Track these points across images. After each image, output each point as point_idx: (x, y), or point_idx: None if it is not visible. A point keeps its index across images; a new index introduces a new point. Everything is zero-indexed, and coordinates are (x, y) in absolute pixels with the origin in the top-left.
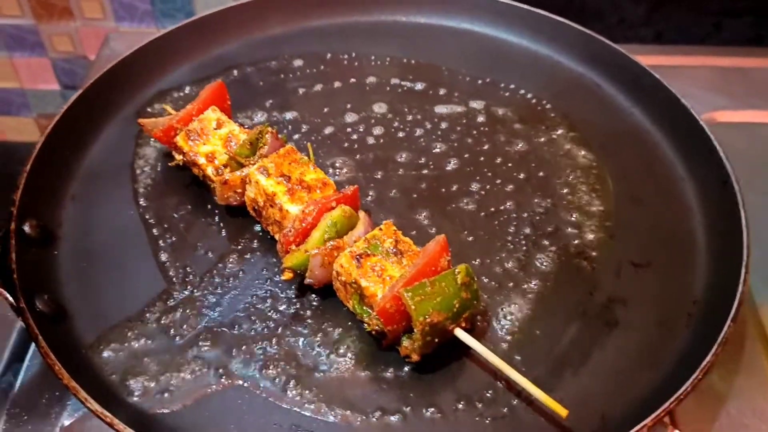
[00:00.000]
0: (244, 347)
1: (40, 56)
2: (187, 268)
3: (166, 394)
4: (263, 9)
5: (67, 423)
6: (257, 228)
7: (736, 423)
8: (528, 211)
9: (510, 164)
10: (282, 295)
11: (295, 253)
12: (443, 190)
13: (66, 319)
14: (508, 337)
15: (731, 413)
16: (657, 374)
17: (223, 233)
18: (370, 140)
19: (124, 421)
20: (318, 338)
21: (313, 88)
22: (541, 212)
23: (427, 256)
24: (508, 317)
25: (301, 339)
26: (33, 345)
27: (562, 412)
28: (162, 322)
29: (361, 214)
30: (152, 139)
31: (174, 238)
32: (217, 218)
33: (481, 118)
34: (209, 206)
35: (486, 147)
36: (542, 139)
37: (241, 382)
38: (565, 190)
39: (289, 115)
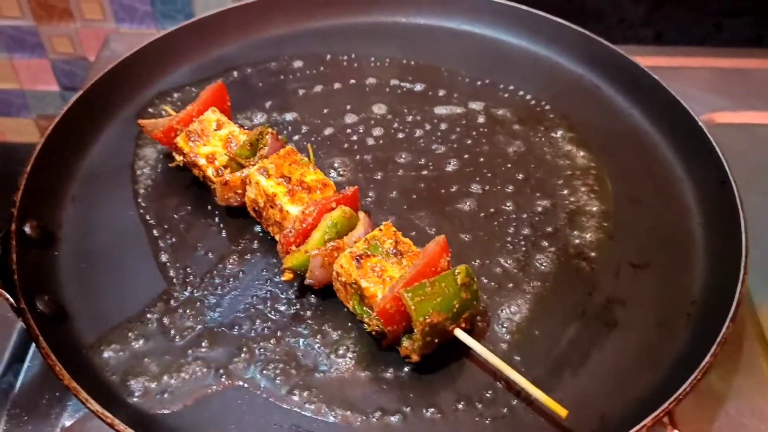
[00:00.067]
0: (244, 348)
1: (40, 57)
2: (188, 269)
3: (166, 395)
4: (263, 10)
5: (67, 424)
6: (257, 229)
7: (735, 423)
8: (527, 211)
9: (509, 165)
10: (282, 296)
11: (295, 254)
12: (443, 190)
13: (66, 320)
14: (508, 338)
15: (730, 413)
16: (656, 374)
17: (224, 234)
18: (370, 141)
19: (125, 422)
20: (318, 339)
21: (312, 89)
22: (540, 213)
23: (427, 257)
24: (508, 318)
25: (302, 339)
26: (33, 346)
27: (562, 412)
28: (162, 322)
29: (361, 214)
30: (152, 140)
31: (174, 239)
32: (217, 219)
33: (480, 119)
34: (209, 207)
35: (485, 148)
36: (541, 140)
37: (241, 382)
38: (564, 191)
39: (288, 116)
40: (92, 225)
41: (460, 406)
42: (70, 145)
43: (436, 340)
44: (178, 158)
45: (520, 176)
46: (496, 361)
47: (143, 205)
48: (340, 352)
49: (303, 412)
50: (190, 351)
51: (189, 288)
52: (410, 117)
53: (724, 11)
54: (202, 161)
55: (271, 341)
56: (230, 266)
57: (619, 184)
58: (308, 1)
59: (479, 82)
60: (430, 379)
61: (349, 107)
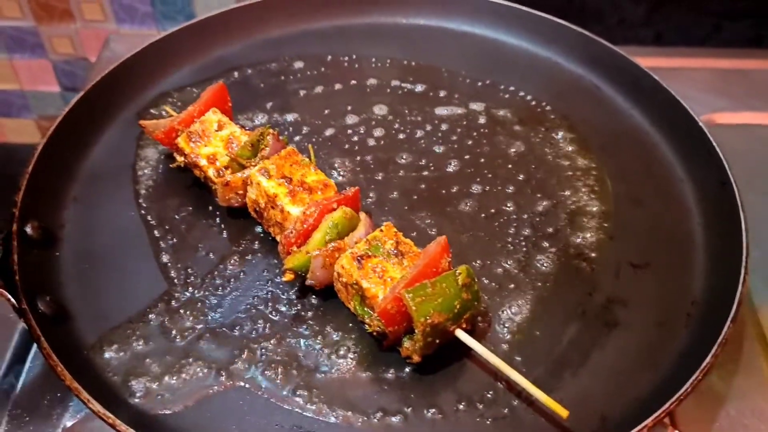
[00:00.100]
0: (245, 348)
1: (41, 58)
2: (189, 270)
3: (167, 395)
4: (264, 11)
5: (69, 424)
6: (258, 229)
7: (736, 423)
8: (528, 212)
9: (510, 165)
10: (283, 297)
11: (296, 255)
12: (443, 191)
13: (68, 320)
14: (509, 338)
15: (731, 414)
16: (656, 375)
17: (224, 234)
18: (371, 142)
19: (126, 422)
20: (319, 339)
21: (313, 90)
22: (540, 213)
23: (428, 257)
24: (509, 318)
25: (303, 340)
26: (35, 346)
27: (563, 412)
28: (164, 323)
29: (362, 215)
30: (154, 141)
31: (175, 240)
32: (218, 219)
33: (481, 120)
34: (210, 208)
35: (486, 148)
36: (542, 141)
37: (242, 383)
38: (564, 192)
39: (289, 117)
40: (93, 225)
41: (461, 406)
42: (72, 146)
43: (437, 341)
44: (179, 159)
45: (521, 177)
46: (496, 362)
47: (144, 205)
48: (341, 352)
49: (304, 413)
50: (191, 351)
51: (190, 288)
52: (411, 118)
53: (724, 12)
54: (203, 162)
55: (272, 342)
56: (231, 267)
57: (619, 185)
58: (309, 2)
59: (480, 83)
60: (431, 380)
61: (349, 108)
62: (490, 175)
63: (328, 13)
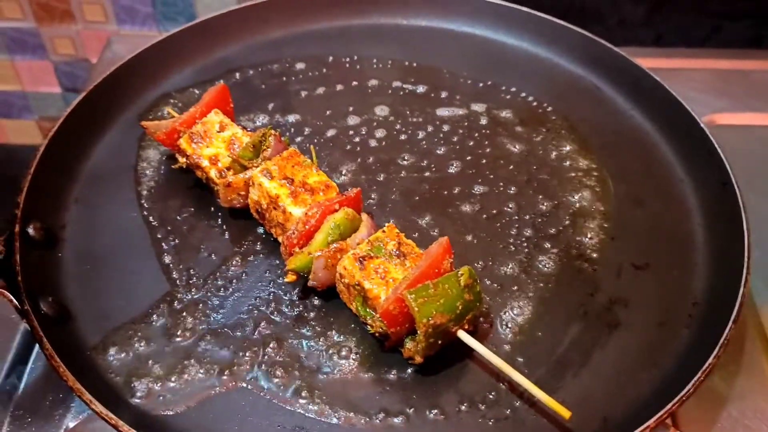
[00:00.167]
0: (247, 349)
1: (42, 59)
2: (191, 270)
3: (169, 396)
4: (265, 12)
5: (71, 425)
6: (260, 230)
7: (738, 424)
8: (529, 213)
9: (511, 166)
10: (285, 298)
11: (298, 256)
12: (445, 192)
13: (70, 321)
14: (511, 339)
15: (732, 414)
16: (658, 375)
17: (226, 236)
18: (373, 143)
19: (129, 423)
20: (321, 340)
21: (315, 91)
22: (542, 214)
23: (430, 258)
24: (511, 319)
25: (305, 341)
26: (37, 347)
27: (565, 413)
28: (166, 324)
29: (364, 216)
30: (155, 142)
31: (177, 241)
32: (219, 220)
33: (482, 121)
34: (212, 208)
35: (487, 149)
36: (543, 142)
37: (244, 384)
38: (566, 192)
39: (291, 118)
40: (95, 226)
41: (463, 407)
42: (73, 147)
43: (439, 342)
44: (181, 160)
45: (522, 178)
46: (499, 363)
47: (146, 206)
48: (343, 353)
49: (306, 414)
50: (193, 352)
51: (192, 289)
52: (412, 119)
53: (723, 12)
54: (205, 163)
55: (274, 343)
56: (233, 268)
57: (620, 185)
58: (310, 3)
59: (481, 84)
60: (433, 381)
61: (351, 109)
62: (491, 176)
63: (330, 14)
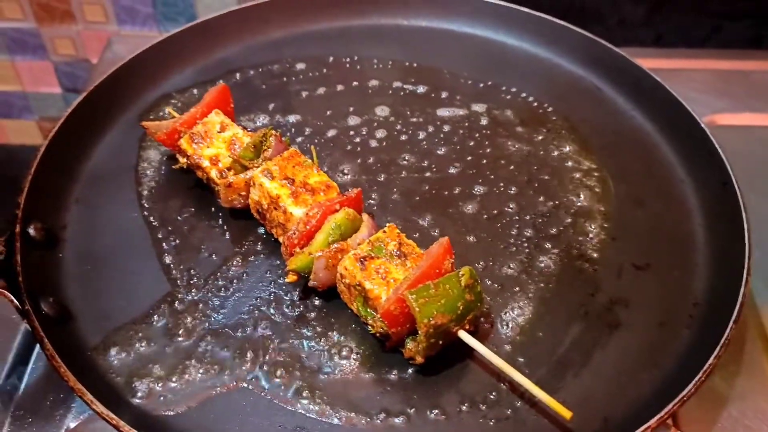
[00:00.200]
0: (248, 349)
1: (42, 59)
2: (191, 271)
3: (171, 396)
4: (265, 12)
5: (72, 425)
6: (261, 231)
7: (738, 424)
8: (530, 213)
9: (512, 167)
10: (286, 298)
11: (299, 256)
12: (446, 192)
13: (70, 322)
14: (511, 339)
15: (733, 414)
16: (658, 375)
17: (227, 236)
18: (373, 143)
19: (130, 423)
20: (322, 340)
21: (315, 92)
22: (543, 214)
23: (431, 259)
24: (511, 319)
25: (305, 341)
26: (37, 347)
27: (566, 414)
28: (167, 324)
29: (365, 216)
30: (156, 142)
31: (178, 241)
32: (220, 221)
33: (483, 121)
34: (213, 209)
35: (488, 150)
36: (544, 142)
37: (245, 384)
38: (566, 193)
39: (291, 118)
40: (96, 227)
41: (464, 407)
42: (74, 148)
43: (440, 342)
44: (182, 160)
45: (523, 178)
46: (499, 363)
47: (147, 206)
48: (344, 353)
49: (307, 414)
50: (194, 353)
51: (193, 290)
52: (413, 119)
53: (723, 12)
54: (205, 163)
55: (275, 343)
56: (234, 268)
57: (621, 186)
58: (310, 3)
59: (481, 84)
60: (434, 381)
61: (351, 109)
62: (492, 177)
63: (330, 14)
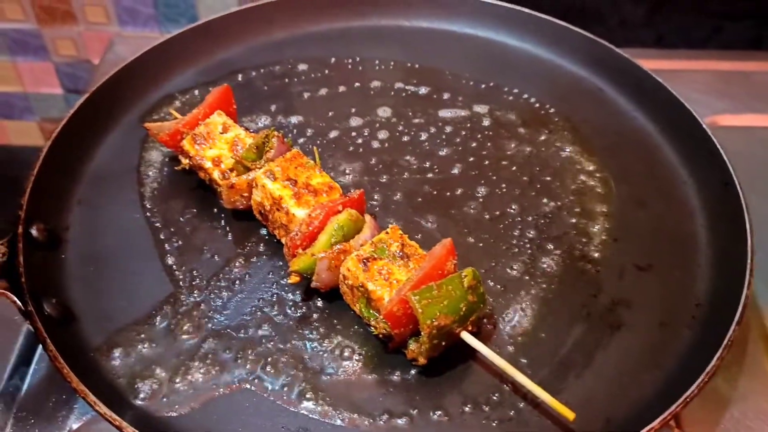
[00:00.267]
0: (250, 350)
1: (44, 60)
2: (194, 272)
3: (173, 397)
4: (267, 13)
5: (74, 426)
6: (263, 232)
7: (740, 425)
8: (532, 214)
9: (514, 168)
10: (288, 299)
11: (301, 257)
12: (448, 193)
13: (73, 323)
14: (514, 340)
15: (735, 415)
16: (661, 377)
17: (229, 237)
18: (375, 144)
19: (132, 424)
20: (325, 341)
21: (317, 92)
22: (545, 215)
23: (434, 260)
24: (514, 320)
25: (308, 342)
26: (40, 348)
27: (569, 415)
28: (169, 325)
29: (367, 217)
30: (158, 144)
31: (180, 242)
32: (222, 222)
33: (485, 122)
34: (215, 210)
35: (490, 151)
36: (546, 143)
37: (248, 385)
38: (568, 194)
39: (293, 119)
40: (98, 228)
41: (467, 408)
42: (76, 149)
43: (443, 343)
44: (184, 161)
45: (525, 179)
46: (502, 364)
47: (149, 208)
48: (347, 354)
49: (310, 415)
50: (196, 354)
51: (195, 291)
52: (415, 120)
53: (724, 12)
54: (208, 164)
55: (278, 344)
56: (236, 269)
57: (623, 187)
58: (312, 4)
59: (483, 85)
60: (436, 382)
61: (354, 110)
62: (494, 178)
63: (331, 15)
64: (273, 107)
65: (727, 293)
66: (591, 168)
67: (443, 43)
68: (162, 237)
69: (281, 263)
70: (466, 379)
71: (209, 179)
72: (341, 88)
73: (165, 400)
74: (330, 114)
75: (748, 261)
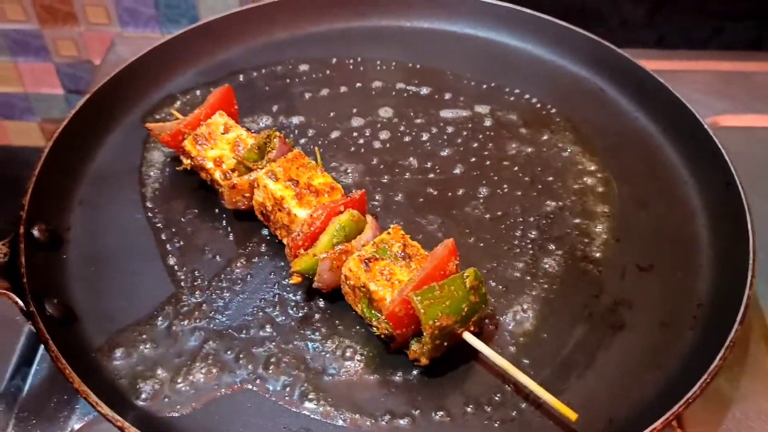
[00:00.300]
0: (252, 351)
1: (45, 61)
2: (195, 272)
3: (175, 398)
4: (268, 14)
5: (76, 427)
6: (265, 232)
7: (742, 425)
8: (534, 215)
9: (516, 168)
10: (290, 299)
11: (303, 257)
12: (450, 194)
13: (75, 323)
14: (516, 340)
15: (737, 416)
16: (662, 377)
17: (231, 237)
18: (377, 145)
19: (134, 425)
20: (326, 342)
21: (319, 93)
22: (547, 216)
23: (436, 260)
24: (516, 320)
25: (310, 343)
26: (41, 349)
27: (572, 415)
28: (171, 325)
29: (369, 218)
30: (159, 144)
31: (182, 242)
32: (224, 222)
33: (486, 123)
34: (216, 210)
35: (492, 151)
36: (547, 143)
37: (249, 385)
38: (570, 194)
39: (295, 120)
40: (100, 228)
41: (469, 409)
42: (78, 149)
43: (445, 344)
44: (186, 162)
45: (527, 179)
46: (504, 364)
47: (151, 208)
48: (349, 355)
49: (312, 416)
50: (198, 354)
51: (197, 291)
52: (416, 120)
53: (725, 13)
54: (209, 164)
55: (280, 344)
56: (238, 270)
57: (624, 187)
58: (312, 5)
59: (484, 86)
60: (438, 382)
61: (355, 111)
62: (495, 178)
63: (333, 16)
64: (274, 108)
65: (728, 293)
66: (592, 168)
67: (444, 43)
68: (163, 237)
69: (283, 264)
70: (468, 380)
71: (211, 180)
72: (342, 89)
73: (167, 400)
74: (331, 114)
75: (750, 261)
